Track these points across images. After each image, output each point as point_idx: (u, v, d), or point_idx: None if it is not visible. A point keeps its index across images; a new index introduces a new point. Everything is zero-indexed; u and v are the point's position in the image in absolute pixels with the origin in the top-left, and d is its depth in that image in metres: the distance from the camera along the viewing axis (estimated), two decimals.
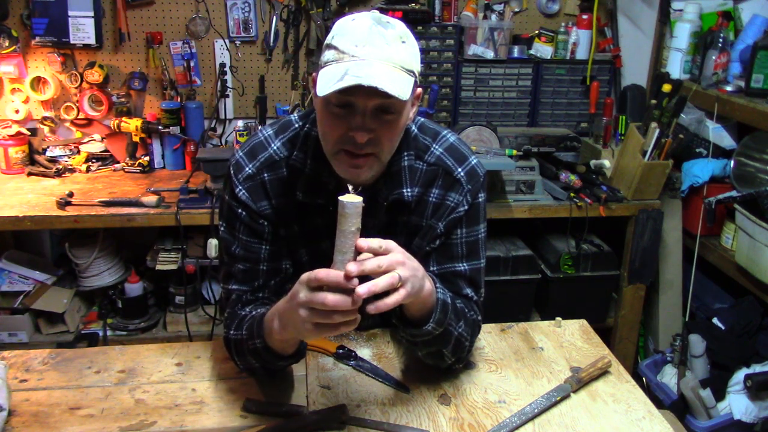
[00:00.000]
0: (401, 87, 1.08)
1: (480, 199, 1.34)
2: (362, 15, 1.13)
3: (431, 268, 1.32)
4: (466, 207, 1.31)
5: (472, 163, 1.33)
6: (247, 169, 1.28)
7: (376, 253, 1.02)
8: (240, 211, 1.28)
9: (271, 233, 1.30)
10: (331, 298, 0.97)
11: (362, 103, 1.10)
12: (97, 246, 2.57)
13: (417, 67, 1.15)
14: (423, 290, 1.12)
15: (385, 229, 1.31)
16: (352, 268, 0.97)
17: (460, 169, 1.31)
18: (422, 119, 1.37)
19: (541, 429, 1.19)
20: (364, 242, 1.00)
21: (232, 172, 1.30)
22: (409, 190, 1.29)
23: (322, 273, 0.98)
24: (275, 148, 1.29)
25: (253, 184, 1.28)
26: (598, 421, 1.21)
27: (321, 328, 1.02)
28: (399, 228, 1.32)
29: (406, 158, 1.28)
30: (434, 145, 1.32)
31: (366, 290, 0.97)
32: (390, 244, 1.04)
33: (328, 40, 1.14)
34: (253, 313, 1.23)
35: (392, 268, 1.01)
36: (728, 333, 2.45)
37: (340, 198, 0.98)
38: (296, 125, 1.32)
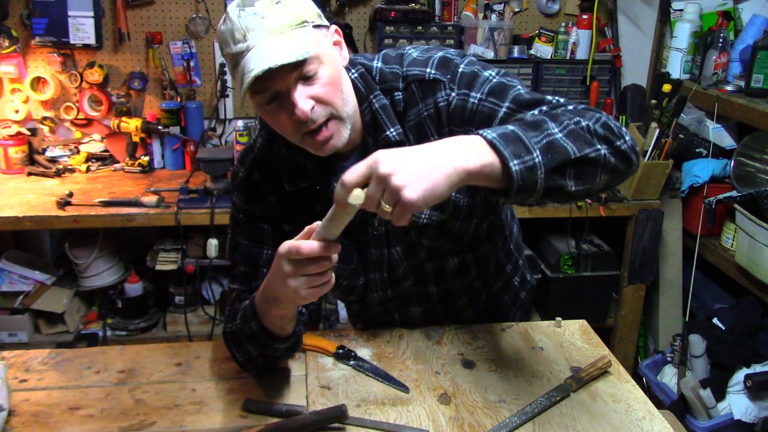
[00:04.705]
0: (298, 46, 1.05)
1: (464, 68, 1.20)
2: (228, 11, 1.09)
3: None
4: (456, 89, 1.19)
5: (437, 56, 1.21)
6: (239, 174, 1.30)
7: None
8: (240, 216, 1.29)
9: (272, 237, 1.29)
10: (313, 267, 1.00)
11: (282, 86, 1.07)
12: (97, 246, 2.57)
13: (307, 14, 1.10)
14: (461, 169, 0.91)
15: None
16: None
17: (428, 69, 1.20)
18: (384, 51, 1.28)
19: (541, 429, 1.19)
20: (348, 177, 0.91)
21: (231, 180, 1.31)
22: (392, 129, 1.21)
23: (305, 247, 0.99)
24: (259, 145, 1.29)
25: (248, 188, 1.28)
26: (598, 421, 1.21)
27: (314, 290, 1.04)
28: None
29: (375, 101, 1.21)
30: (398, 69, 1.22)
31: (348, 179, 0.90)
32: (371, 160, 0.91)
33: (222, 53, 1.12)
34: (246, 302, 1.24)
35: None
36: (728, 333, 2.45)
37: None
38: None
